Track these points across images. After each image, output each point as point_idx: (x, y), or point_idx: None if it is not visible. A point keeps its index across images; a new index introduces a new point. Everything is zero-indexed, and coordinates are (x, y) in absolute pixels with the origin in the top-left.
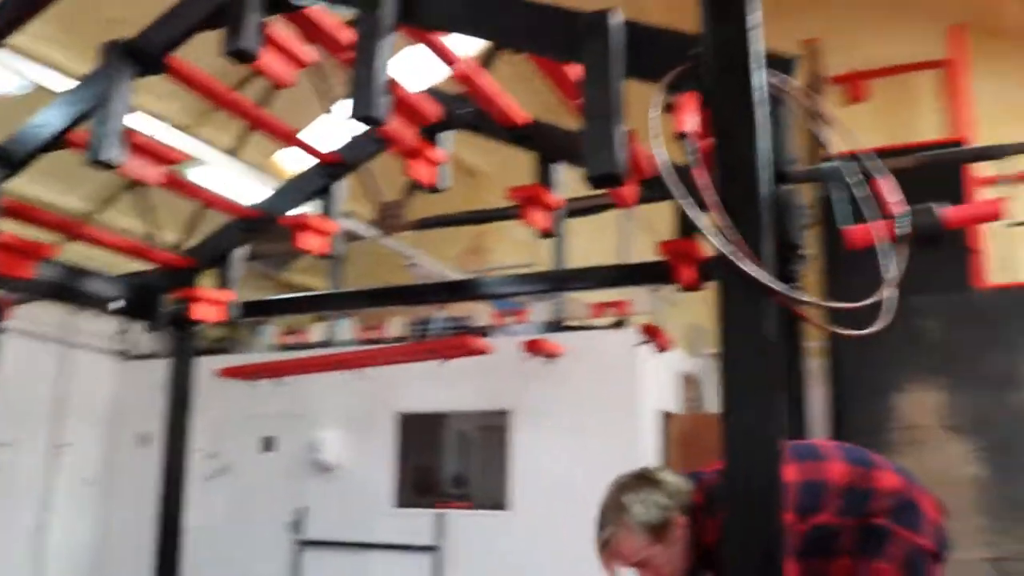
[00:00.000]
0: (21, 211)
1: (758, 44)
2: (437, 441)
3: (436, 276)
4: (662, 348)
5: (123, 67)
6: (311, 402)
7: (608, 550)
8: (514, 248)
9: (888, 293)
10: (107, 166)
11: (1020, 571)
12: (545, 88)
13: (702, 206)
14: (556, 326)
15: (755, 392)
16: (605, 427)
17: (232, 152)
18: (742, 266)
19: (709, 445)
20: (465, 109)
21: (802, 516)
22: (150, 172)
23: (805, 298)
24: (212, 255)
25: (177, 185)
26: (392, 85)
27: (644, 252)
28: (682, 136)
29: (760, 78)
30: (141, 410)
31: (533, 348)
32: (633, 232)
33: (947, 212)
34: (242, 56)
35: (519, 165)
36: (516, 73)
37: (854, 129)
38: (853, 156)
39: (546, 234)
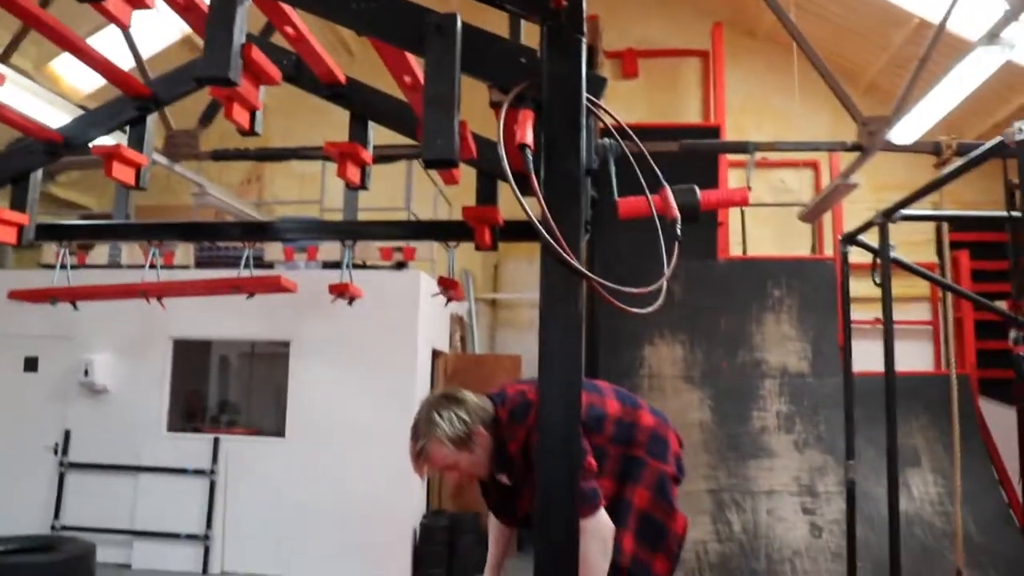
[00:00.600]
0: None
1: (583, 76)
2: (213, 368)
3: (220, 204)
4: (456, 299)
5: None
6: (81, 323)
7: (421, 458)
8: (290, 180)
9: (665, 281)
10: None
11: (730, 500)
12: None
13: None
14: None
15: (565, 353)
16: (384, 362)
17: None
18: (563, 256)
19: (474, 382)
20: (286, 61)
21: (586, 434)
22: None
23: (608, 283)
24: (6, 175)
25: None
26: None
27: (423, 195)
28: (523, 147)
29: (583, 102)
30: None
31: (337, 290)
32: (415, 178)
33: (704, 195)
34: None
35: (297, 102)
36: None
37: (627, 103)
38: (623, 133)
39: (357, 187)
